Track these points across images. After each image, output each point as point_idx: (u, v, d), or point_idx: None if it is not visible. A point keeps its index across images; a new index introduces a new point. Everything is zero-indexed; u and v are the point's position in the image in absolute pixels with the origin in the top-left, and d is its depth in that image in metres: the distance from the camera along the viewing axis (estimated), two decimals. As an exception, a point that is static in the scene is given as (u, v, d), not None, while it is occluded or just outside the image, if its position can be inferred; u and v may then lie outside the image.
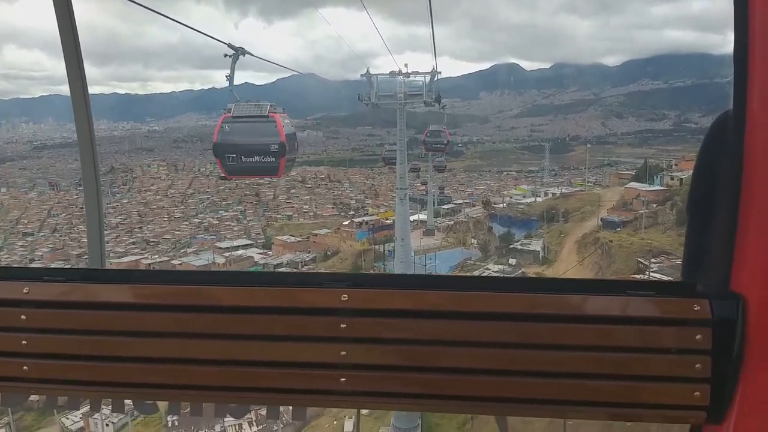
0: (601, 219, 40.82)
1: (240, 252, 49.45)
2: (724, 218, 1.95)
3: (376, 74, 28.94)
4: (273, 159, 15.75)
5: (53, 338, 2.28)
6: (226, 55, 15.80)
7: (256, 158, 15.67)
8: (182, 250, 54.51)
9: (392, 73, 30.27)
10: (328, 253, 48.41)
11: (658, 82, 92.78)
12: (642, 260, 31.73)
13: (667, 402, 2.03)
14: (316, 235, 51.10)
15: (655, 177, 47.94)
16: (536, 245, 40.98)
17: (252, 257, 46.86)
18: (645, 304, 2.06)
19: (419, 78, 29.23)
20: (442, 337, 2.14)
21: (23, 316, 2.27)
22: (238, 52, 16.14)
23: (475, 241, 45.70)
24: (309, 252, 48.17)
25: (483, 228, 47.22)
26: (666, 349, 2.04)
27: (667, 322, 2.04)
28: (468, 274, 34.06)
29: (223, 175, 16.44)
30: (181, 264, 45.78)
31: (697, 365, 1.98)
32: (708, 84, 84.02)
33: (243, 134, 15.78)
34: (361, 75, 28.49)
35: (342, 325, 2.15)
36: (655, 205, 39.11)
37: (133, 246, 59.00)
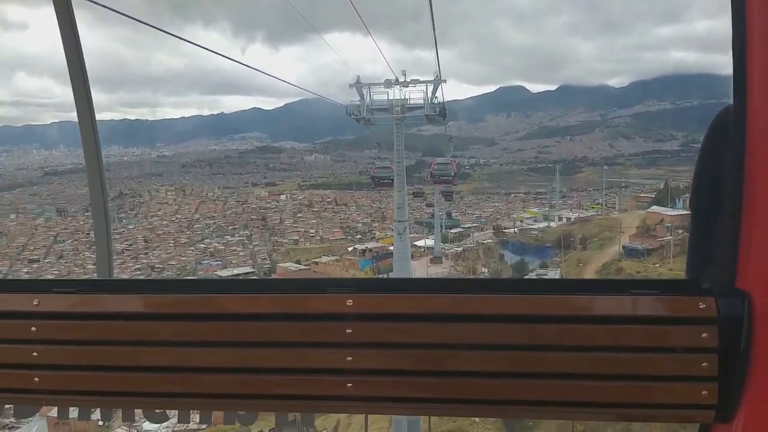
0: (623, 246, 36.56)
1: (240, 281, 45.76)
2: (727, 215, 1.90)
3: (368, 84, 24.73)
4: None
5: (64, 349, 2.27)
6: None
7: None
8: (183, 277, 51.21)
9: (387, 83, 25.60)
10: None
11: (665, 102, 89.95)
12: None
13: (674, 402, 1.98)
14: (317, 263, 47.29)
15: (677, 200, 43.80)
16: (553, 275, 36.78)
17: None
18: (650, 302, 2.03)
19: (420, 88, 25.05)
20: (448, 340, 2.11)
21: (34, 328, 2.25)
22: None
23: (486, 270, 41.59)
24: (310, 282, 44.36)
25: (494, 255, 43.20)
26: (672, 348, 1.99)
27: (672, 320, 2.01)
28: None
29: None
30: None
31: (704, 364, 1.94)
32: (715, 104, 79.65)
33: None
34: (351, 85, 24.31)
35: (348, 331, 2.12)
36: (681, 231, 34.98)
37: (138, 272, 56.91)
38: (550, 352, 2.05)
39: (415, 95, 24.50)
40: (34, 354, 2.24)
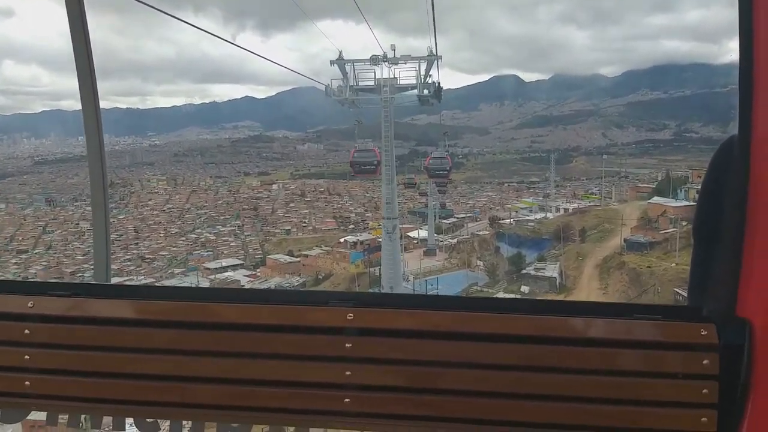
0: (625, 239, 34.26)
1: (227, 274, 43.68)
2: (729, 243, 1.91)
3: (352, 60, 21.59)
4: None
5: (56, 353, 2.21)
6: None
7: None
8: (169, 271, 49.58)
9: (374, 59, 22.11)
10: (320, 276, 42.51)
11: (658, 92, 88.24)
12: (681, 291, 25.04)
13: (674, 428, 1.97)
14: (306, 256, 44.95)
15: (678, 190, 41.59)
16: (552, 270, 34.51)
17: (239, 281, 40.97)
18: (651, 328, 2.02)
19: (411, 65, 21.47)
20: (448, 358, 2.09)
21: (27, 331, 2.21)
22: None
23: (481, 263, 39.29)
24: (300, 276, 42.17)
25: (489, 248, 40.93)
26: (673, 373, 1.99)
27: (673, 346, 2.00)
28: (474, 295, 29.06)
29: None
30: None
31: (704, 390, 1.93)
32: (707, 94, 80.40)
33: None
34: (332, 62, 21.20)
35: (347, 345, 2.08)
36: (685, 223, 32.73)
37: (128, 263, 55.16)
38: (549, 374, 2.01)
39: (407, 74, 21.56)
40: (26, 357, 2.18)
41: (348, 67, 20.42)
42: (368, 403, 2.07)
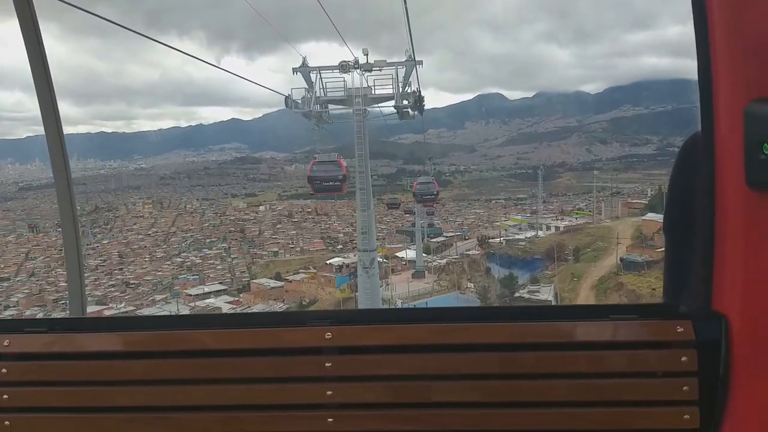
0: (621, 258, 32.37)
1: (209, 301, 41.47)
2: (700, 238, 1.90)
3: (318, 67, 18.82)
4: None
5: (36, 391, 2.16)
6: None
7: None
8: (150, 298, 47.60)
9: (344, 66, 18.16)
10: (304, 302, 40.31)
11: (640, 108, 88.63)
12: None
13: (657, 427, 1.95)
14: (290, 281, 42.73)
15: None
16: (546, 293, 32.36)
17: (220, 308, 38.73)
18: (629, 328, 2.01)
19: (387, 72, 17.79)
20: (429, 371, 2.06)
21: (4, 370, 2.15)
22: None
23: (472, 284, 37.26)
24: (283, 302, 39.99)
25: (479, 268, 38.89)
26: (652, 372, 1.97)
27: (651, 345, 1.99)
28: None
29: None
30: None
31: (684, 387, 1.92)
32: (688, 108, 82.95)
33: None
34: (294, 69, 18.17)
35: (327, 364, 2.05)
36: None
37: (112, 289, 53.12)
38: (530, 380, 2.00)
39: (383, 82, 18.71)
40: (5, 397, 2.12)
41: (314, 76, 17.45)
42: (351, 422, 2.03)
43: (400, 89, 17.04)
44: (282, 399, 2.06)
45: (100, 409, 2.10)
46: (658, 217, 36.77)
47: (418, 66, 16.86)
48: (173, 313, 40.24)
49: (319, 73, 16.78)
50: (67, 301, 3.94)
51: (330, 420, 2.02)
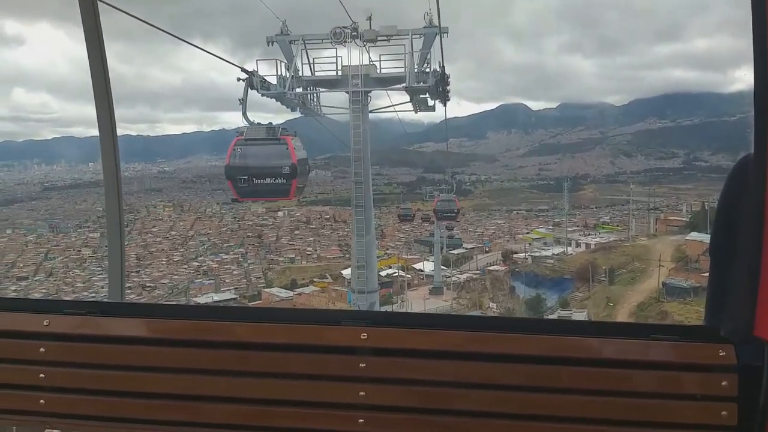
0: (663, 283, 28.77)
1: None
2: (746, 262, 1.83)
3: (301, 37, 12.29)
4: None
5: (71, 372, 2.17)
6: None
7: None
8: (165, 301, 45.96)
9: (337, 35, 12.62)
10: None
11: (665, 120, 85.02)
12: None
13: None
14: (300, 294, 39.78)
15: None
16: (579, 318, 28.56)
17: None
18: (668, 348, 1.94)
19: (399, 42, 12.05)
20: (462, 378, 2.02)
21: (42, 349, 2.15)
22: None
23: (494, 305, 33.89)
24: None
25: (503, 287, 35.45)
26: (691, 395, 1.90)
27: (691, 367, 1.91)
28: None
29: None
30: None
31: (723, 412, 1.84)
32: (716, 122, 77.85)
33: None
34: (269, 39, 12.22)
35: (361, 365, 2.02)
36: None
37: (128, 291, 52.92)
38: (564, 395, 1.94)
39: (390, 63, 13.25)
40: (41, 375, 2.14)
41: (296, 48, 12.72)
42: (382, 424, 2.00)
43: (415, 66, 12.09)
44: (314, 396, 2.02)
45: (133, 394, 2.07)
46: (703, 238, 32.73)
47: (442, 36, 12.13)
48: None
49: (304, 43, 12.03)
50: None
51: (361, 421, 1.97)
